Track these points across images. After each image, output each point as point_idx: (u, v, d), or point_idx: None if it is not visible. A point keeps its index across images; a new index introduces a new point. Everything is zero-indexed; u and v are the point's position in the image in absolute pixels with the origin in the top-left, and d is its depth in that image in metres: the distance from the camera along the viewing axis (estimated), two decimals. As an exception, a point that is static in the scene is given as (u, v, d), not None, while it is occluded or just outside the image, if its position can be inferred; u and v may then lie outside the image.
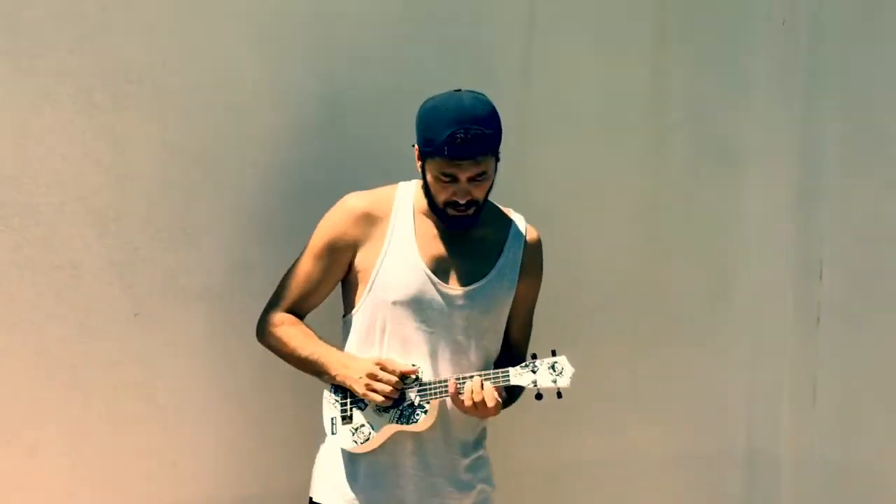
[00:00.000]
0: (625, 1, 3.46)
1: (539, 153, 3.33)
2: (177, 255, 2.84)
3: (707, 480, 3.69)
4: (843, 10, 3.53)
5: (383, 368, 2.50)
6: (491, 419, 2.62)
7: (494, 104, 2.57)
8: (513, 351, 2.74)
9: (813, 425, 3.61)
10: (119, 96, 2.74)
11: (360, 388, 2.51)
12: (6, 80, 2.62)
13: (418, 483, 2.61)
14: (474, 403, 2.49)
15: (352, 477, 2.61)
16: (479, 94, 2.58)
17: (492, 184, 2.60)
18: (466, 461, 2.67)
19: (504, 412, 2.75)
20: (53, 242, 2.70)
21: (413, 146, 2.59)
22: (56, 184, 2.69)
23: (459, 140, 2.44)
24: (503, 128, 2.58)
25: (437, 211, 2.58)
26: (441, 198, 2.54)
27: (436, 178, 2.52)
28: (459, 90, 2.57)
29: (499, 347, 2.71)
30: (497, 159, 2.57)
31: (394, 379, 2.49)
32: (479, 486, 2.70)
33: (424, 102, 2.58)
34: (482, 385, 2.49)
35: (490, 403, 2.49)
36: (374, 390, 2.48)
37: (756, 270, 3.70)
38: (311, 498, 2.67)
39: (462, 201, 2.52)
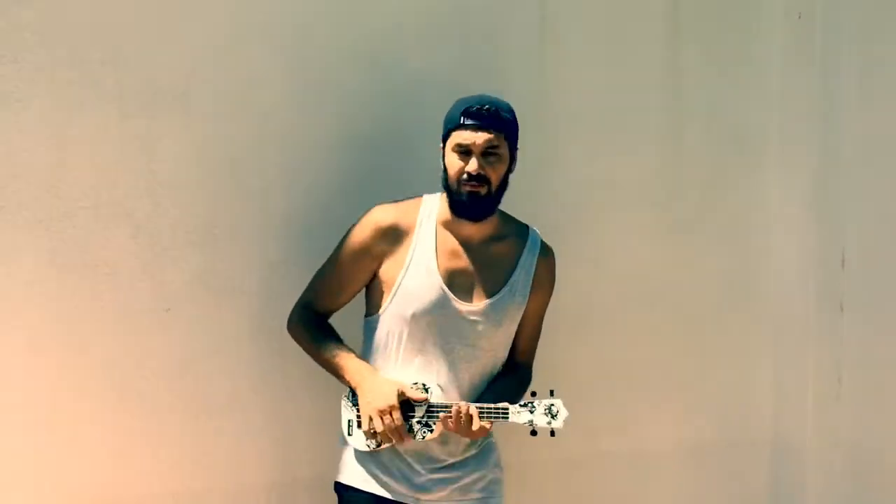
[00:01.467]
0: (638, -4, 3.52)
1: (557, 152, 3.40)
2: (205, 254, 2.98)
3: (733, 469, 3.72)
4: (857, 2, 3.53)
5: (392, 411, 2.62)
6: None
7: (512, 105, 2.77)
8: (518, 358, 2.88)
9: (838, 413, 3.61)
10: (149, 105, 2.90)
11: (364, 411, 2.67)
12: (43, 91, 2.79)
13: (428, 466, 2.75)
14: (462, 427, 2.64)
15: (370, 462, 2.75)
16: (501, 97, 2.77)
17: (505, 179, 2.73)
18: (474, 450, 2.81)
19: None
20: (89, 244, 2.86)
21: (440, 148, 2.74)
22: (91, 189, 2.85)
23: (475, 110, 2.66)
24: (522, 129, 2.76)
25: (454, 199, 2.71)
26: (454, 172, 2.68)
27: (452, 152, 2.68)
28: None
29: (505, 356, 2.85)
30: (513, 151, 2.73)
31: (394, 427, 2.63)
32: (487, 471, 2.82)
33: None
34: (469, 411, 2.63)
35: (475, 427, 2.63)
36: (381, 423, 2.63)
37: (778, 260, 3.71)
38: (336, 481, 2.81)
39: (473, 171, 2.65)
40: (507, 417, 2.65)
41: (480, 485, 2.81)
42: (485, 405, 2.66)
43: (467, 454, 2.79)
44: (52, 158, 2.81)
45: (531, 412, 2.66)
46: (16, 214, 2.78)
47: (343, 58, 3.10)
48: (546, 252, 2.88)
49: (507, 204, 2.82)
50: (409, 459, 2.74)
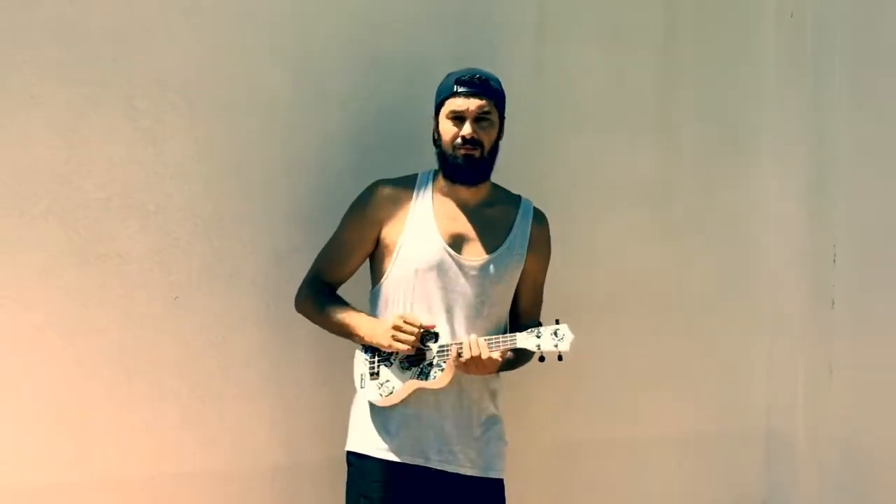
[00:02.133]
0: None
1: (552, 148, 3.51)
2: (212, 244, 3.12)
3: (727, 459, 3.80)
4: (849, 2, 3.61)
5: (406, 321, 2.76)
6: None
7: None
8: (522, 320, 2.99)
9: (829, 405, 3.68)
10: (158, 103, 3.04)
11: (385, 341, 2.78)
12: (57, 90, 2.93)
13: (438, 433, 2.86)
14: (473, 360, 2.74)
15: (382, 428, 2.87)
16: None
17: (495, 145, 2.89)
18: (480, 417, 2.92)
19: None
20: (101, 234, 3.00)
21: (433, 118, 2.89)
22: (103, 182, 2.99)
23: (467, 78, 2.85)
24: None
25: (449, 166, 2.86)
26: (449, 137, 2.84)
27: (447, 119, 2.85)
28: None
29: (507, 313, 2.97)
30: (501, 120, 2.89)
31: (415, 330, 2.75)
32: (491, 442, 2.93)
33: None
34: (478, 343, 2.75)
35: (484, 356, 2.74)
36: (399, 340, 2.75)
37: (771, 257, 3.80)
38: (349, 451, 2.93)
39: (468, 135, 2.81)
40: (516, 343, 2.76)
41: (484, 454, 2.91)
42: (493, 336, 2.78)
43: (472, 422, 2.89)
44: (66, 153, 2.95)
45: (538, 337, 2.77)
46: (32, 206, 2.92)
47: (343, 56, 3.24)
48: (540, 218, 3.02)
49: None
50: (417, 425, 2.85)
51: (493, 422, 2.96)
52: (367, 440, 2.88)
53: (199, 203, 3.10)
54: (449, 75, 2.91)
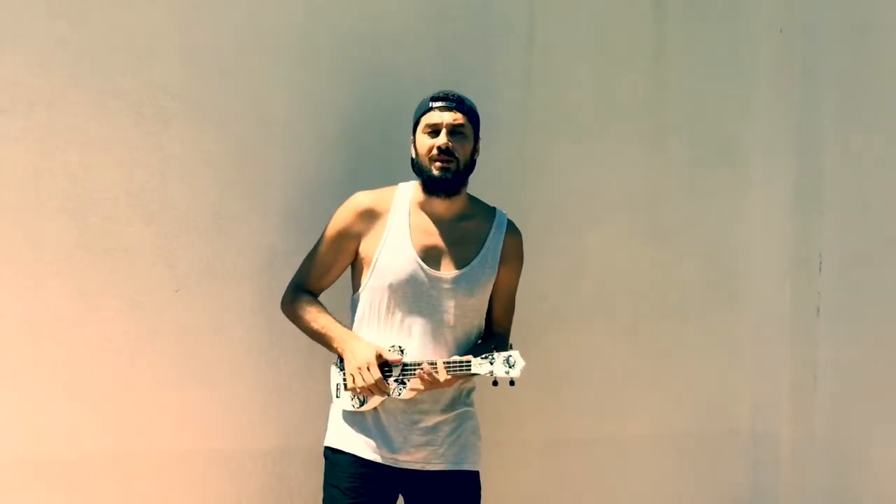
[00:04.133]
0: (625, 9, 3.75)
1: (543, 157, 3.68)
2: (211, 242, 3.35)
3: (713, 458, 3.93)
4: (837, 17, 3.72)
5: (370, 368, 2.93)
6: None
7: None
8: (495, 328, 3.16)
9: (814, 409, 3.79)
10: (163, 110, 3.28)
11: (348, 366, 2.99)
12: (71, 96, 3.19)
13: (408, 431, 3.03)
14: (431, 383, 2.94)
15: (355, 427, 3.06)
16: None
17: (471, 158, 3.05)
18: (451, 414, 3.08)
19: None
20: (109, 230, 3.25)
21: (411, 140, 3.07)
22: (111, 182, 3.25)
23: (442, 95, 3.03)
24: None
25: (426, 179, 3.02)
26: (426, 149, 3.01)
27: (423, 133, 3.02)
28: None
29: (482, 324, 3.13)
30: (476, 135, 3.06)
31: (372, 381, 2.93)
32: (463, 437, 3.10)
33: None
34: (445, 369, 2.94)
35: (441, 379, 2.94)
36: (354, 378, 2.96)
37: (758, 263, 3.91)
38: (325, 446, 3.14)
39: (443, 146, 2.98)
40: (470, 369, 2.94)
41: (454, 449, 3.07)
42: (451, 360, 2.95)
43: (441, 419, 3.06)
44: (77, 155, 3.21)
45: (491, 363, 2.93)
46: (45, 204, 3.18)
47: (338, 66, 3.45)
48: (513, 230, 3.16)
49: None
50: (388, 424, 3.03)
51: (465, 417, 3.12)
52: (341, 437, 3.08)
53: (199, 203, 3.33)
54: (425, 98, 3.07)
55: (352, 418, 3.07)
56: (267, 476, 3.43)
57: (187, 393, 3.35)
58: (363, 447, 3.04)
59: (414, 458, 3.03)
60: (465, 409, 3.13)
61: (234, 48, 3.36)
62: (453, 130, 2.99)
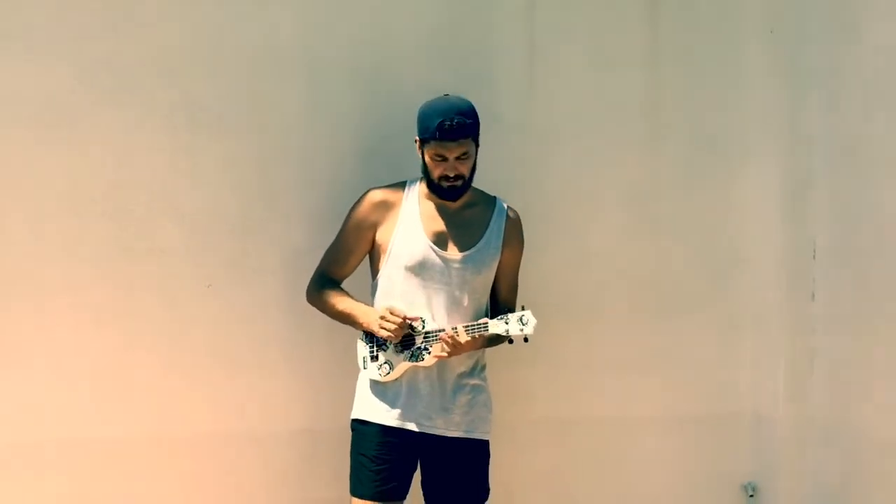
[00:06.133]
0: (621, 14, 3.95)
1: (545, 158, 3.90)
2: (240, 240, 3.64)
3: (713, 441, 4.11)
4: (826, 18, 3.89)
5: (392, 312, 3.25)
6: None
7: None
8: (501, 306, 3.44)
9: (810, 391, 3.96)
10: (194, 121, 3.58)
11: (375, 328, 3.28)
12: (109, 111, 3.50)
13: (429, 400, 3.33)
14: (455, 346, 3.23)
15: (381, 399, 3.36)
16: (461, 96, 3.35)
17: (474, 163, 3.33)
18: (465, 388, 3.37)
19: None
20: (144, 231, 3.55)
21: (415, 140, 3.32)
22: (146, 187, 3.55)
23: (447, 126, 3.21)
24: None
25: (434, 186, 3.32)
26: (436, 174, 3.29)
27: (431, 159, 3.29)
28: (448, 95, 3.34)
29: (487, 300, 3.42)
30: (476, 144, 3.31)
31: (398, 320, 3.23)
32: (476, 409, 3.38)
33: (422, 105, 3.34)
34: (465, 331, 3.24)
35: (463, 341, 3.24)
36: (384, 328, 3.24)
37: (754, 253, 4.08)
38: (352, 419, 3.42)
39: (451, 174, 3.27)
40: (487, 329, 3.24)
41: (468, 418, 3.37)
42: (469, 323, 3.25)
43: (458, 390, 3.34)
44: (116, 165, 3.52)
45: (506, 323, 3.24)
46: (88, 208, 3.50)
47: (350, 78, 3.72)
48: (512, 215, 3.46)
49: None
50: (411, 394, 3.31)
51: (477, 391, 3.40)
52: (368, 409, 3.37)
53: (228, 206, 3.62)
54: (428, 111, 3.26)
55: (378, 390, 3.35)
56: (294, 455, 3.71)
57: (220, 380, 3.64)
58: (389, 417, 3.33)
59: (434, 424, 3.33)
60: (479, 382, 3.42)
61: (257, 65, 3.64)
62: (459, 156, 3.27)
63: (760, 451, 4.13)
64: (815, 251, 3.98)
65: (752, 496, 4.15)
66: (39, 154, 3.46)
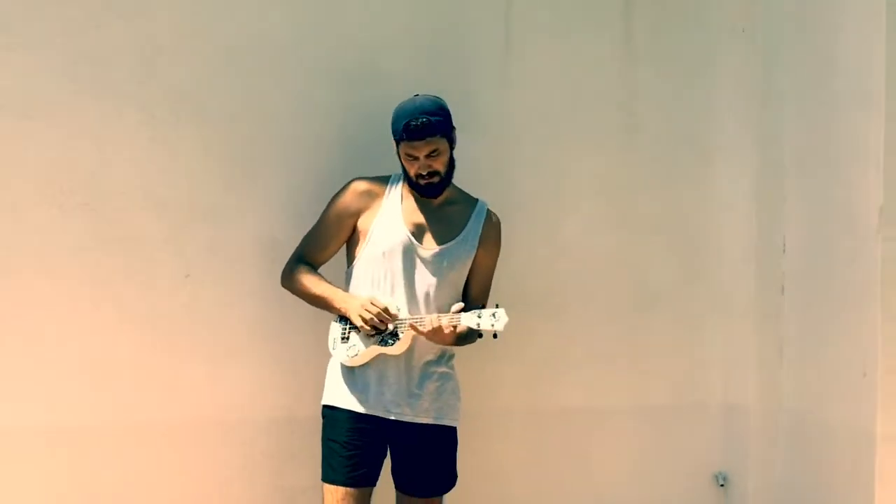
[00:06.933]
0: (596, 9, 4.03)
1: (521, 152, 3.96)
2: (218, 230, 3.69)
3: (685, 430, 4.18)
4: (796, 17, 3.98)
5: (373, 303, 3.31)
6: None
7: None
8: (472, 305, 3.48)
9: (780, 381, 4.05)
10: (172, 113, 3.62)
11: (354, 316, 3.33)
12: (88, 102, 3.54)
13: (397, 388, 3.39)
14: (433, 331, 3.30)
15: (350, 385, 3.42)
16: (431, 95, 3.41)
17: (450, 159, 3.40)
18: (433, 375, 3.44)
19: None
20: (124, 221, 3.59)
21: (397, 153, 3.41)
22: (125, 178, 3.59)
23: (413, 126, 3.30)
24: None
25: (413, 184, 3.40)
26: (412, 172, 3.38)
27: (404, 159, 3.38)
28: (418, 94, 3.41)
29: (458, 295, 3.47)
30: (450, 141, 3.38)
31: (377, 310, 3.30)
32: (444, 396, 3.45)
33: (395, 107, 3.40)
34: (439, 320, 3.30)
35: (446, 331, 3.30)
36: (362, 316, 3.30)
37: (725, 246, 4.17)
38: (324, 405, 3.47)
39: (424, 172, 3.35)
40: (460, 320, 3.29)
41: (437, 405, 3.43)
42: (444, 314, 3.31)
43: (426, 377, 3.41)
44: (96, 155, 3.57)
45: (479, 317, 3.30)
46: (67, 198, 3.54)
47: (330, 71, 3.77)
48: (492, 217, 3.54)
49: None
50: (379, 381, 3.37)
51: (445, 378, 3.47)
52: (338, 395, 3.43)
53: (206, 196, 3.67)
54: (398, 112, 3.35)
55: (348, 377, 3.41)
56: (272, 442, 3.76)
57: (197, 368, 3.68)
58: (358, 403, 3.38)
59: (402, 411, 3.39)
60: (447, 370, 3.48)
61: (236, 55, 3.69)
62: (429, 154, 3.34)
63: (731, 442, 4.20)
64: (784, 245, 4.06)
65: (722, 485, 4.22)
66: (18, 144, 3.50)
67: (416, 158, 3.34)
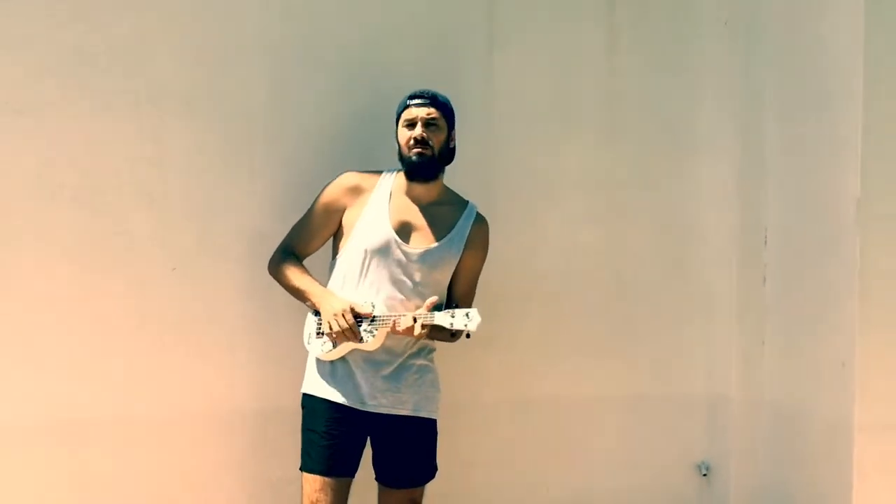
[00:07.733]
0: (578, 7, 4.07)
1: (506, 146, 4.01)
2: (206, 224, 3.73)
3: (669, 420, 4.23)
4: (778, 11, 4.02)
5: (345, 316, 3.33)
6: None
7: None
8: (452, 304, 3.51)
9: (762, 372, 4.10)
10: (161, 107, 3.66)
11: (325, 319, 3.37)
12: (77, 98, 3.58)
13: (374, 380, 3.42)
14: (406, 330, 3.33)
15: (328, 376, 3.45)
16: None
17: (446, 146, 3.44)
18: (412, 368, 3.47)
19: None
20: (113, 214, 3.63)
21: (395, 133, 3.45)
22: (114, 172, 3.63)
23: (417, 93, 3.43)
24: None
25: (406, 165, 3.43)
26: (405, 140, 3.42)
27: (402, 129, 3.43)
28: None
29: (443, 296, 3.50)
30: (450, 127, 3.44)
31: (346, 327, 3.32)
32: (423, 388, 3.48)
33: None
34: (414, 320, 3.32)
35: (416, 332, 3.32)
36: (330, 325, 3.34)
37: (708, 239, 4.21)
38: (303, 394, 3.52)
39: (418, 136, 3.38)
40: (434, 319, 3.32)
41: (416, 398, 3.46)
42: (419, 312, 3.33)
43: (404, 370, 3.44)
44: (86, 150, 3.60)
45: (452, 317, 3.33)
46: (57, 192, 3.58)
47: (317, 67, 3.81)
48: (480, 221, 3.55)
49: (464, 194, 3.55)
50: (357, 373, 3.41)
51: (424, 370, 3.50)
52: (317, 384, 3.47)
53: (194, 191, 3.71)
54: (405, 96, 3.45)
55: (326, 368, 3.45)
56: (258, 434, 3.81)
57: (183, 361, 3.72)
58: (337, 394, 3.42)
59: (380, 403, 3.42)
60: (426, 363, 3.52)
61: (224, 51, 3.73)
62: (428, 123, 3.40)
63: (714, 431, 4.25)
64: (766, 237, 4.11)
65: (705, 475, 4.27)
66: (8, 140, 3.54)
67: (414, 125, 3.39)
